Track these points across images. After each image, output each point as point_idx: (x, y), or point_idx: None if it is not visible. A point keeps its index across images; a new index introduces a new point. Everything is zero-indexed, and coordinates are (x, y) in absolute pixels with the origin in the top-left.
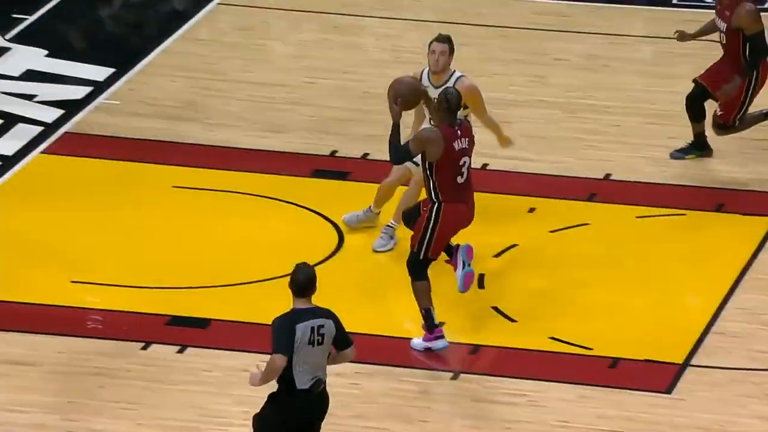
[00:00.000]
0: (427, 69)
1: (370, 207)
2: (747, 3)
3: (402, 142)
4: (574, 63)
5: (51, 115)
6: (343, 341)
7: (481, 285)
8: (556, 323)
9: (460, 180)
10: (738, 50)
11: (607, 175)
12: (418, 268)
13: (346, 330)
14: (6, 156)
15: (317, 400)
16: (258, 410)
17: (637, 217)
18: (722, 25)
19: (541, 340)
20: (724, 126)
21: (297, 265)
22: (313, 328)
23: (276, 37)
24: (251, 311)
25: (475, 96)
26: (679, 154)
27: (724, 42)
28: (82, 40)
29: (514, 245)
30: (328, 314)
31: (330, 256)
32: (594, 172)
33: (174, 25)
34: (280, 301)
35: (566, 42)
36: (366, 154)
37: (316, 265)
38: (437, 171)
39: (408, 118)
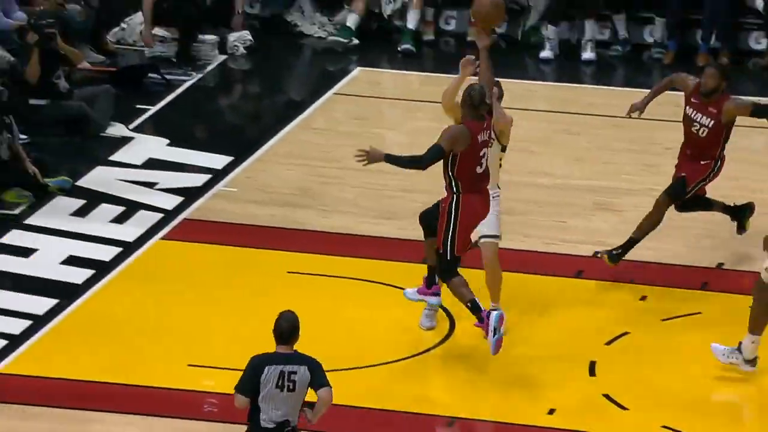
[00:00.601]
0: None
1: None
2: (733, 97)
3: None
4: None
5: (171, 202)
6: (317, 382)
7: (592, 372)
8: (668, 412)
9: (479, 170)
10: (719, 142)
11: (720, 264)
12: (448, 269)
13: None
14: (127, 242)
15: None
16: None
17: (750, 306)
18: (706, 120)
19: (654, 430)
20: (682, 188)
21: (281, 312)
22: (283, 373)
23: (390, 126)
24: (365, 396)
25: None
26: None
27: (704, 135)
28: (201, 129)
29: (625, 333)
30: (302, 360)
31: (442, 342)
32: (706, 261)
33: (291, 115)
34: (394, 384)
35: (677, 132)
36: (476, 241)
37: (427, 350)
38: (460, 162)
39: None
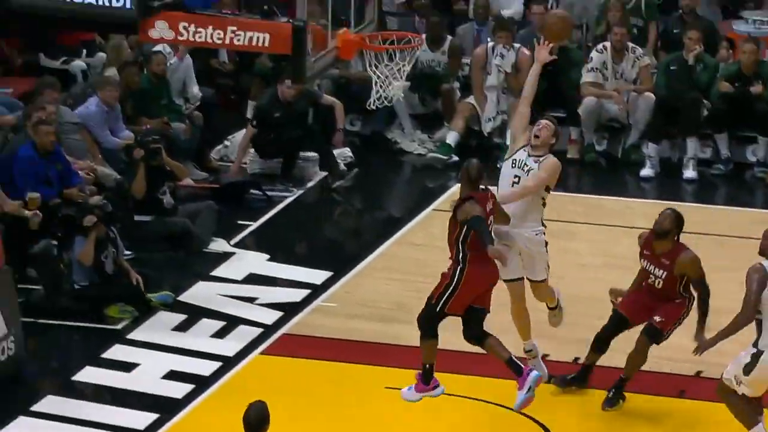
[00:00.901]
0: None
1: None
2: (688, 251)
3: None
4: None
5: (270, 317)
6: None
7: None
8: None
9: None
10: (675, 291)
11: None
12: (431, 324)
13: None
14: (227, 357)
15: None
16: None
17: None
18: (659, 272)
19: None
20: (659, 334)
21: (250, 403)
22: None
23: None
24: None
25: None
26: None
27: (659, 286)
28: (302, 245)
29: None
30: None
31: None
32: None
33: (390, 230)
34: None
35: None
36: (577, 359)
37: None
38: (472, 235)
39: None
